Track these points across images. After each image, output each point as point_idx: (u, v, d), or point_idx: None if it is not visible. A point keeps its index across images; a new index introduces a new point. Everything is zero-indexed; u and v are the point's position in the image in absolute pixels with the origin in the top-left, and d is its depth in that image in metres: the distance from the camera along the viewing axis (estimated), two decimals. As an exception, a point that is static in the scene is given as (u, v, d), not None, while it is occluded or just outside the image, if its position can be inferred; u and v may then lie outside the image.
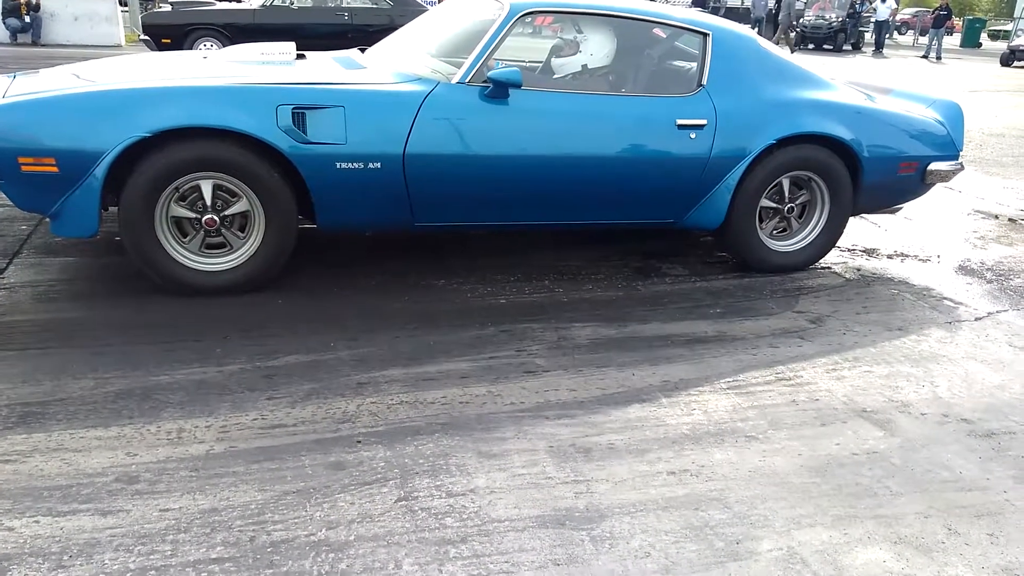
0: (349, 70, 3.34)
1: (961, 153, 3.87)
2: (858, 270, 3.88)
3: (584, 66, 3.82)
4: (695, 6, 23.50)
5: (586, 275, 3.56)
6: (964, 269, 3.97)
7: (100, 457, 1.99)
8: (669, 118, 3.31)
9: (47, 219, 3.07)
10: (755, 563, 1.77)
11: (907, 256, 4.15)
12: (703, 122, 3.34)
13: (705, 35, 3.50)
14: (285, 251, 3.05)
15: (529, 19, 3.29)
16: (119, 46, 13.35)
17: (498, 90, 3.07)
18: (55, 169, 2.71)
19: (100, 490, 1.87)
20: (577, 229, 3.99)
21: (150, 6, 15.13)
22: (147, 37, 9.60)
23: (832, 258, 4.00)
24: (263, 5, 9.89)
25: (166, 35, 9.49)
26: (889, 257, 4.12)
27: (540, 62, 4.08)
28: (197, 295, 2.97)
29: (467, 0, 3.77)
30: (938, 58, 21.30)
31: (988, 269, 3.99)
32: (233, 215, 2.97)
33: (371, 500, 1.90)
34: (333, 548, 1.73)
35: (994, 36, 37.04)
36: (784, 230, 3.74)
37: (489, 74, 3.05)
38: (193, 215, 2.93)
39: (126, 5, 15.12)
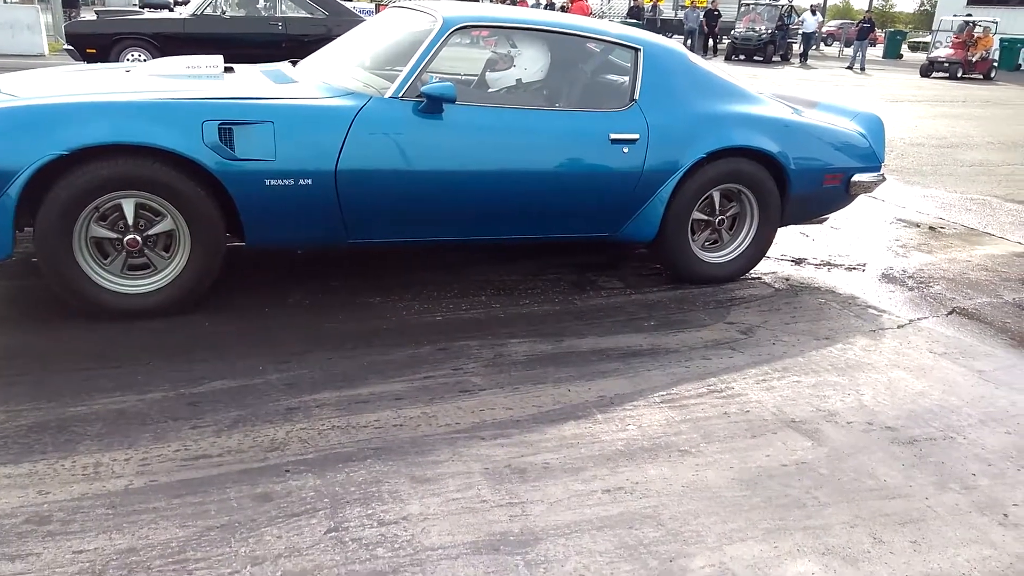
0: (279, 84, 3.27)
1: (883, 164, 4.01)
2: (787, 280, 3.98)
3: (518, 80, 3.83)
4: (631, 18, 23.92)
5: (523, 290, 3.56)
6: (887, 277, 4.11)
7: (9, 497, 1.88)
8: (602, 132, 3.34)
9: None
10: (688, 581, 1.78)
11: (833, 265, 4.27)
12: (635, 136, 3.39)
13: (637, 50, 3.54)
14: (212, 271, 2.96)
15: (463, 32, 3.28)
16: (42, 55, 12.84)
17: (432, 105, 3.05)
18: (-37, 189, 2.57)
19: (8, 532, 1.77)
20: (513, 243, 3.99)
21: (74, 14, 14.60)
22: (71, 47, 9.26)
23: (762, 268, 4.10)
24: (193, 14, 9.64)
25: (91, 45, 9.15)
26: (816, 266, 4.24)
27: (475, 75, 4.08)
28: (119, 319, 2.85)
29: (401, 13, 3.74)
30: (862, 69, 22.17)
31: (909, 277, 4.14)
32: (157, 235, 2.87)
33: (299, 532, 1.84)
34: (259, 585, 1.67)
35: (914, 47, 38.77)
36: (715, 242, 3.82)
37: (423, 89, 3.03)
38: (114, 235, 2.81)
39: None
